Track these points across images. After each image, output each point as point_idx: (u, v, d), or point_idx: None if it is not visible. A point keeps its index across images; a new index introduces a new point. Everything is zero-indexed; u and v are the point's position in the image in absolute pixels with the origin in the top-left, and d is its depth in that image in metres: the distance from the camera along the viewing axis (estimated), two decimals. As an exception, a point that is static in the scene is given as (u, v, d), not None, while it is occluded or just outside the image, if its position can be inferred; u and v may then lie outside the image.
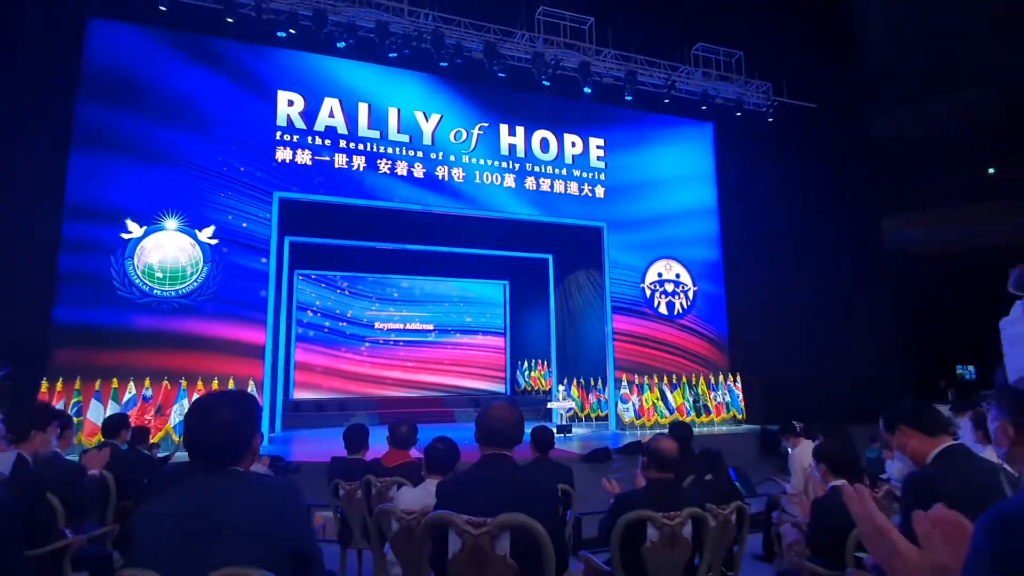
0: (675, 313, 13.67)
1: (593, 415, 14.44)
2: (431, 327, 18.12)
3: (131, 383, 8.36)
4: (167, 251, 8.95)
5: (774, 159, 13.43)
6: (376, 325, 17.37)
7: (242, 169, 9.95)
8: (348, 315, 17.17)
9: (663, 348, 13.42)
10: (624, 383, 12.66)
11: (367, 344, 17.06)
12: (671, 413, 12.65)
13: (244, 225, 9.81)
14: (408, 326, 17.80)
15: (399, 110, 11.02)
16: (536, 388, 17.99)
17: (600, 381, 14.25)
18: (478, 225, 13.02)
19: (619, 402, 12.67)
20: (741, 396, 13.25)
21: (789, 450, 5.54)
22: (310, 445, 10.29)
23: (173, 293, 8.99)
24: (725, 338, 13.99)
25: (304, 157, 10.42)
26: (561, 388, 13.68)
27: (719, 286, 14.16)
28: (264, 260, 9.92)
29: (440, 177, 11.59)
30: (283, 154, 10.25)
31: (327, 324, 17.88)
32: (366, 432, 4.11)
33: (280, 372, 15.66)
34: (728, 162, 14.02)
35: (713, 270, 14.14)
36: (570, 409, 13.89)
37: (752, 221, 13.66)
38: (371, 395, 16.62)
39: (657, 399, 12.73)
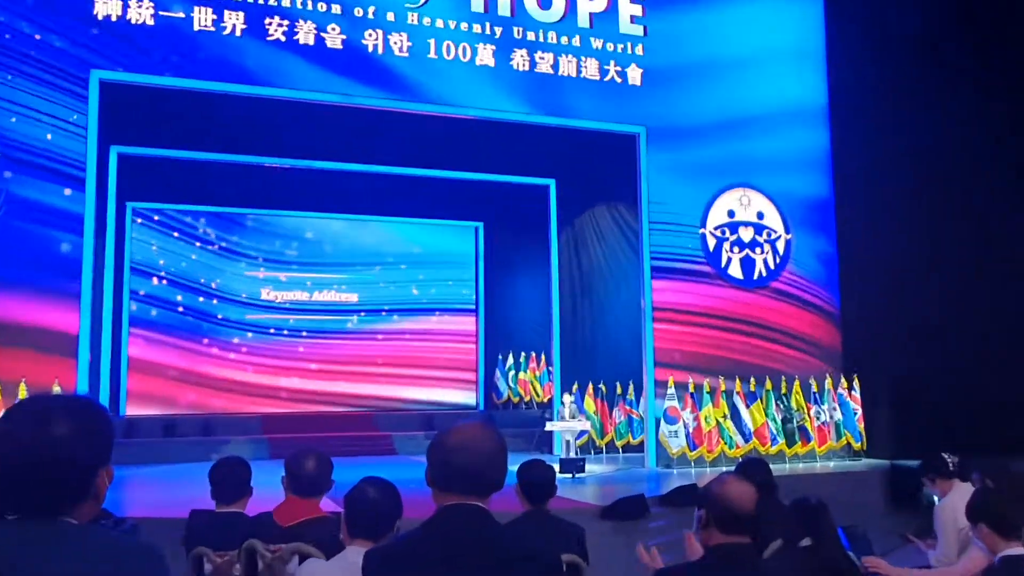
0: (755, 277, 13.99)
1: (619, 442, 15.03)
2: (354, 301, 18.51)
3: None
4: None
5: (926, 33, 13.40)
6: (264, 297, 17.81)
7: (37, 37, 9.85)
8: (215, 285, 17.46)
9: (735, 333, 13.73)
10: (671, 391, 13.02)
11: (249, 333, 17.58)
12: (746, 440, 13.00)
13: (48, 137, 9.78)
14: (315, 296, 18.19)
15: (298, -68, 11.90)
16: (527, 398, 18.44)
17: (632, 388, 14.62)
18: (433, 129, 13.12)
19: (662, 421, 13.04)
20: (860, 413, 13.58)
21: (935, 499, 5.71)
22: (153, 491, 10.49)
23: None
24: (836, 319, 14.39)
25: (141, 13, 10.28)
26: (568, 399, 13.91)
27: (827, 236, 14.46)
28: (69, 192, 9.91)
29: (370, 48, 11.56)
30: (106, 7, 10.11)
31: (181, 299, 18.11)
32: (247, 470, 4.21)
33: (104, 376, 15.27)
34: (848, 35, 14.14)
35: (819, 210, 14.39)
36: (583, 433, 14.39)
37: (885, 134, 13.82)
38: (255, 413, 16.99)
39: (724, 417, 13.04)
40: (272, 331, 17.81)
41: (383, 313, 18.74)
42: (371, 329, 18.61)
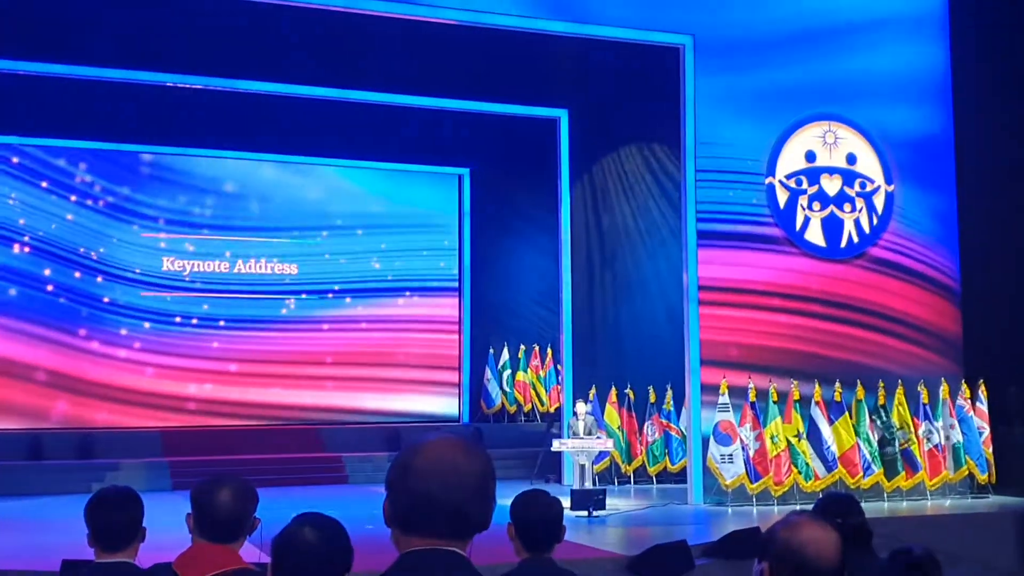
0: (843, 244, 14.04)
1: (653, 468, 15.25)
2: (292, 277, 18.67)
3: None
4: None
5: None
6: (166, 271, 17.71)
7: None
8: (98, 255, 17.24)
9: (813, 318, 13.73)
10: (723, 399, 13.15)
11: (146, 323, 17.46)
12: (828, 469, 13.00)
13: None
14: (237, 270, 18.23)
15: None
16: (527, 407, 18.82)
17: (670, 394, 14.77)
18: (405, 39, 13.33)
19: (712, 441, 13.14)
20: (986, 433, 13.47)
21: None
22: (12, 533, 10.57)
23: None
24: (955, 300, 14.35)
25: None
26: (583, 408, 13.95)
27: (944, 187, 14.44)
28: None
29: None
30: None
31: (50, 274, 17.86)
32: (139, 506, 4.18)
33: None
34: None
35: (932, 153, 14.34)
36: (602, 455, 14.67)
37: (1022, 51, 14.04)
38: (153, 429, 16.93)
39: (798, 436, 13.05)
40: (178, 319, 17.77)
41: (331, 295, 18.80)
42: (316, 316, 18.70)
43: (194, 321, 17.88)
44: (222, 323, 18.05)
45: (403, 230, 19.30)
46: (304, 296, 18.64)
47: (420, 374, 19.15)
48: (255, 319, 18.23)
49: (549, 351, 18.31)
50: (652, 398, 15.00)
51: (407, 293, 19.25)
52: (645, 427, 15.09)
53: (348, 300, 18.89)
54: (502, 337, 18.90)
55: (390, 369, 18.94)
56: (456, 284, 19.56)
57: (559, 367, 16.92)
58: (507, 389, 18.74)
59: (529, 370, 18.63)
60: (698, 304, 13.38)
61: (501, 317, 19.12)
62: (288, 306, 18.47)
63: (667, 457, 14.96)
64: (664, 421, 14.92)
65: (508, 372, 18.73)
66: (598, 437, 13.59)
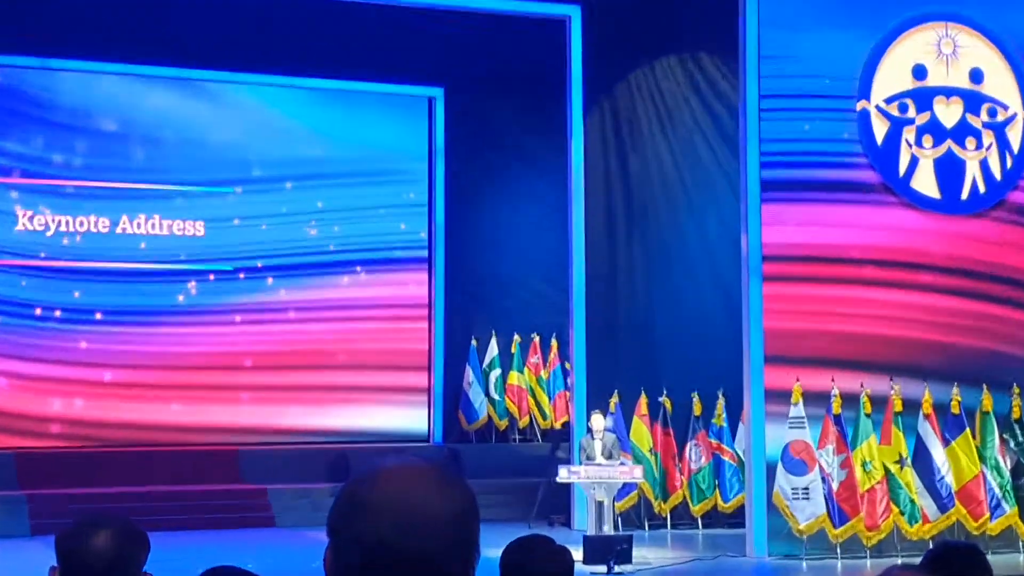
0: (965, 194, 14.08)
1: (697, 507, 15.48)
2: (195, 249, 18.71)
3: None
4: None
5: None
6: (18, 233, 17.80)
7: None
8: None
9: (925, 292, 13.74)
10: (796, 409, 13.26)
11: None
12: (942, 508, 12.97)
13: None
14: (118, 233, 18.08)
15: None
16: (523, 421, 19.09)
17: (721, 403, 15.17)
18: None
19: (780, 468, 13.29)
20: None
21: None
22: None
23: None
24: None
25: None
26: (600, 423, 14.14)
27: None
28: None
29: None
30: None
31: None
32: None
33: None
34: None
35: None
36: (628, 489, 14.87)
37: None
38: (3, 451, 16.94)
39: (899, 462, 13.04)
40: (38, 311, 17.88)
41: (244, 275, 19.04)
42: (227, 304, 19.05)
43: (57, 314, 17.88)
44: (98, 316, 17.94)
45: (351, 180, 19.62)
46: (211, 278, 18.84)
47: (374, 378, 19.38)
48: (141, 310, 18.27)
49: (554, 344, 18.39)
50: (697, 409, 15.04)
51: (356, 269, 19.62)
52: (687, 449, 15.12)
53: (270, 281, 19.19)
54: (488, 325, 19.12)
55: (332, 373, 19.25)
56: (425, 254, 19.92)
57: (568, 365, 17.15)
58: (496, 396, 18.94)
59: (526, 370, 18.81)
60: (761, 279, 13.48)
61: (487, 297, 19.31)
62: (187, 291, 18.63)
63: (717, 491, 14.97)
64: (713, 441, 14.96)
65: (497, 373, 18.91)
66: (621, 463, 13.73)
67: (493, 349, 18.93)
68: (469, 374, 19.04)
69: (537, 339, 18.71)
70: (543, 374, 18.66)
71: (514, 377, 18.80)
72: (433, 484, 2.00)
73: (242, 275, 19.05)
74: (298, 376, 19.04)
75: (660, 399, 15.23)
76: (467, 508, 1.99)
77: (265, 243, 19.15)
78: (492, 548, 2.70)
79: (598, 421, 13.86)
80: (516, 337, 18.87)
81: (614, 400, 15.07)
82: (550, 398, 18.59)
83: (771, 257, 13.49)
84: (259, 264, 19.05)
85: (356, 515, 1.99)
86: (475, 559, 1.99)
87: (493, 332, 18.99)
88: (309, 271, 19.36)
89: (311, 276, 19.35)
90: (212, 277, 18.82)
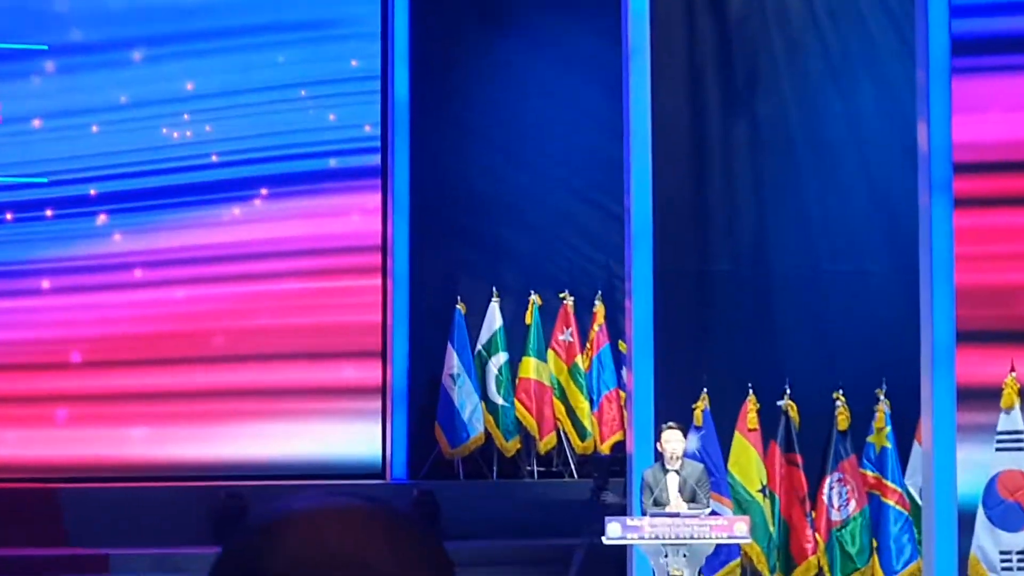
0: None
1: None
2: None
3: None
4: None
5: None
6: None
7: None
8: None
9: None
10: (1011, 417, 14.14)
11: None
12: None
13: None
14: None
15: None
16: (542, 439, 19.09)
17: (879, 407, 15.68)
18: None
19: (981, 517, 13.87)
20: None
21: None
22: None
23: None
24: None
25: None
26: (677, 443, 14.61)
27: None
28: None
29: None
30: None
31: None
32: None
33: None
34: None
35: None
36: (729, 556, 15.29)
37: None
38: None
39: None
40: None
41: (50, 214, 19.58)
42: (29, 260, 19.44)
43: None
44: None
45: (245, 40, 19.85)
46: (8, 217, 19.30)
47: (289, 374, 19.17)
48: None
49: (598, 309, 17.52)
50: (842, 421, 14.88)
51: (260, 192, 19.58)
52: (825, 488, 15.04)
53: (102, 219, 19.45)
54: (485, 278, 18.77)
55: (213, 369, 19.41)
56: (377, 161, 19.59)
57: (623, 347, 17.04)
58: (499, 399, 18.14)
59: (551, 355, 17.84)
60: (951, 203, 13.82)
61: (482, 231, 19.17)
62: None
63: (875, 557, 14.89)
64: (869, 474, 14.97)
65: (501, 360, 18.04)
66: (713, 512, 14.17)
67: (494, 319, 18.06)
68: (452, 361, 18.27)
69: (570, 302, 17.94)
70: (580, 361, 17.77)
71: (529, 366, 17.96)
72: (373, 540, 1.83)
73: (49, 212, 19.18)
74: (153, 376, 19.09)
75: (780, 403, 15.07)
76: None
77: (94, 156, 19.29)
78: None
79: (675, 441, 14.24)
80: (533, 298, 18.05)
81: (701, 405, 15.01)
82: (592, 402, 17.89)
83: (967, 166, 13.86)
84: (91, 191, 19.18)
85: None
86: None
87: (493, 290, 18.33)
88: (173, 200, 19.55)
89: (177, 209, 19.50)
90: (9, 216, 18.94)
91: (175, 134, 19.58)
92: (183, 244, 19.62)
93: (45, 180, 19.47)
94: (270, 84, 19.94)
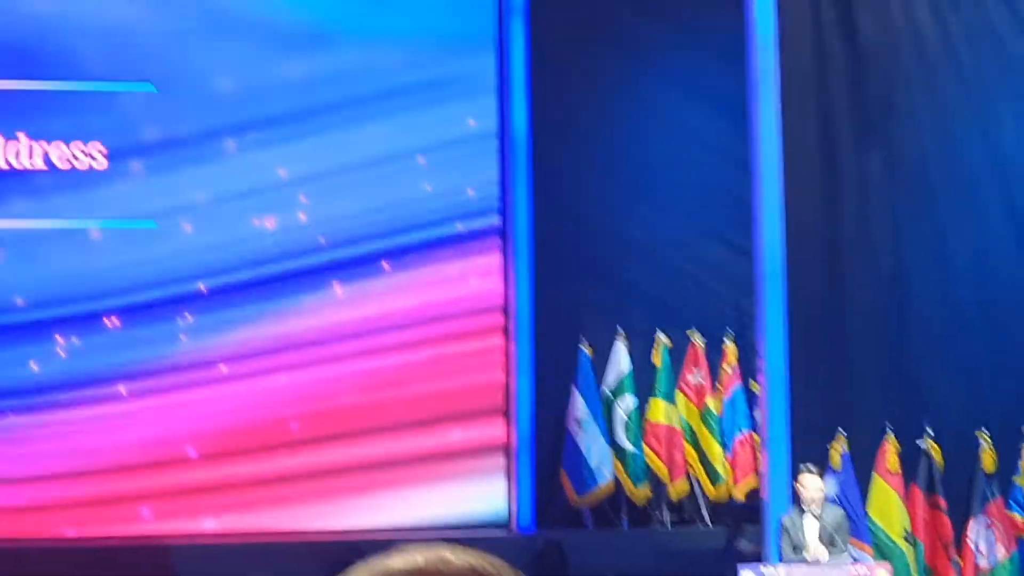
0: None
1: None
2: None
3: None
4: None
5: None
6: None
7: None
8: None
9: None
10: None
11: None
12: None
13: None
14: None
15: None
16: (673, 485, 18.69)
17: None
18: None
19: None
20: None
21: None
22: None
23: None
24: None
25: None
26: (816, 488, 14.85)
27: None
28: None
29: None
30: None
31: None
32: None
33: None
34: None
35: None
36: None
37: None
38: None
39: None
40: None
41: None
42: (109, 368, 18.70)
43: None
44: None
45: (356, 112, 19.34)
46: (117, 322, 18.91)
47: (412, 442, 19.08)
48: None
49: (729, 349, 17.21)
50: (988, 462, 14.70)
51: (382, 266, 19.05)
52: (970, 531, 14.89)
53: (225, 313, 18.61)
54: (610, 318, 18.02)
55: (331, 448, 19.34)
56: (499, 220, 18.96)
57: (755, 387, 16.76)
58: (628, 445, 17.65)
59: (680, 397, 17.36)
60: None
61: (606, 272, 18.50)
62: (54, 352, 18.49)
63: None
64: (1019, 517, 14.91)
65: (629, 403, 17.45)
66: (854, 560, 14.03)
67: (620, 360, 17.67)
68: (578, 405, 17.92)
69: (699, 341, 17.66)
70: (711, 403, 17.61)
71: (659, 409, 17.61)
72: None
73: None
74: (281, 460, 19.47)
75: (921, 443, 14.91)
76: None
77: (194, 253, 19.38)
78: None
79: (813, 485, 14.25)
80: (661, 338, 17.61)
81: (839, 447, 15.01)
82: (725, 446, 17.60)
83: None
84: (200, 287, 19.19)
85: None
86: None
87: (619, 331, 17.86)
88: (276, 286, 19.56)
89: (278, 298, 19.61)
90: (118, 320, 18.93)
91: (272, 222, 20.12)
92: (306, 327, 20.15)
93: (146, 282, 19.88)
94: (383, 152, 20.37)
